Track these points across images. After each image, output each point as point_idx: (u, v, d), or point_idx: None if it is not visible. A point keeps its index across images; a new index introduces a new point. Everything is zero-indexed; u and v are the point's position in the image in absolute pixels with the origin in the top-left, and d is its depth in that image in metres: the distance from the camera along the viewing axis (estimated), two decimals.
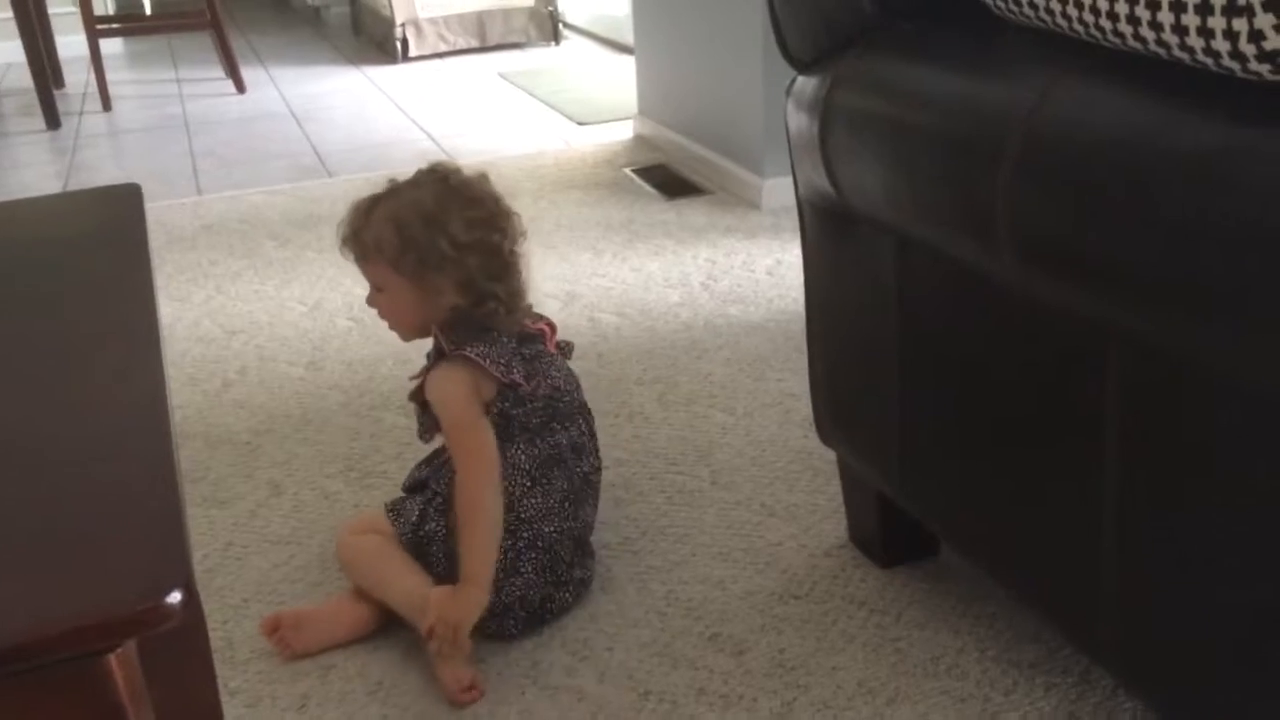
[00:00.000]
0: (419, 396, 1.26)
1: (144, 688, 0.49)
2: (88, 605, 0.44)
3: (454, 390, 1.21)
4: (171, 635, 0.52)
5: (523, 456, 1.23)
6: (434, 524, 1.24)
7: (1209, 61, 0.71)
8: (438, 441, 1.30)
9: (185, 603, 0.42)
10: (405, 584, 1.22)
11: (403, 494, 1.33)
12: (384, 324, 1.31)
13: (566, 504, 1.24)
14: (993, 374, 0.97)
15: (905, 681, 1.14)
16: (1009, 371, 0.95)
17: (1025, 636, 1.19)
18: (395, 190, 1.26)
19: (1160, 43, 0.73)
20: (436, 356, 1.26)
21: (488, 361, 1.20)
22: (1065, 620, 0.98)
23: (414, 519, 1.25)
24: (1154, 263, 0.73)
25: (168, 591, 0.43)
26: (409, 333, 1.31)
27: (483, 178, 1.27)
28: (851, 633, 1.21)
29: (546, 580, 1.23)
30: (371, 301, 1.30)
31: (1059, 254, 0.80)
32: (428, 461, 1.34)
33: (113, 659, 0.46)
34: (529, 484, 1.22)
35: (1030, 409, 0.93)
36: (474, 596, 1.16)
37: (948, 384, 1.04)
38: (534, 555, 1.22)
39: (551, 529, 1.23)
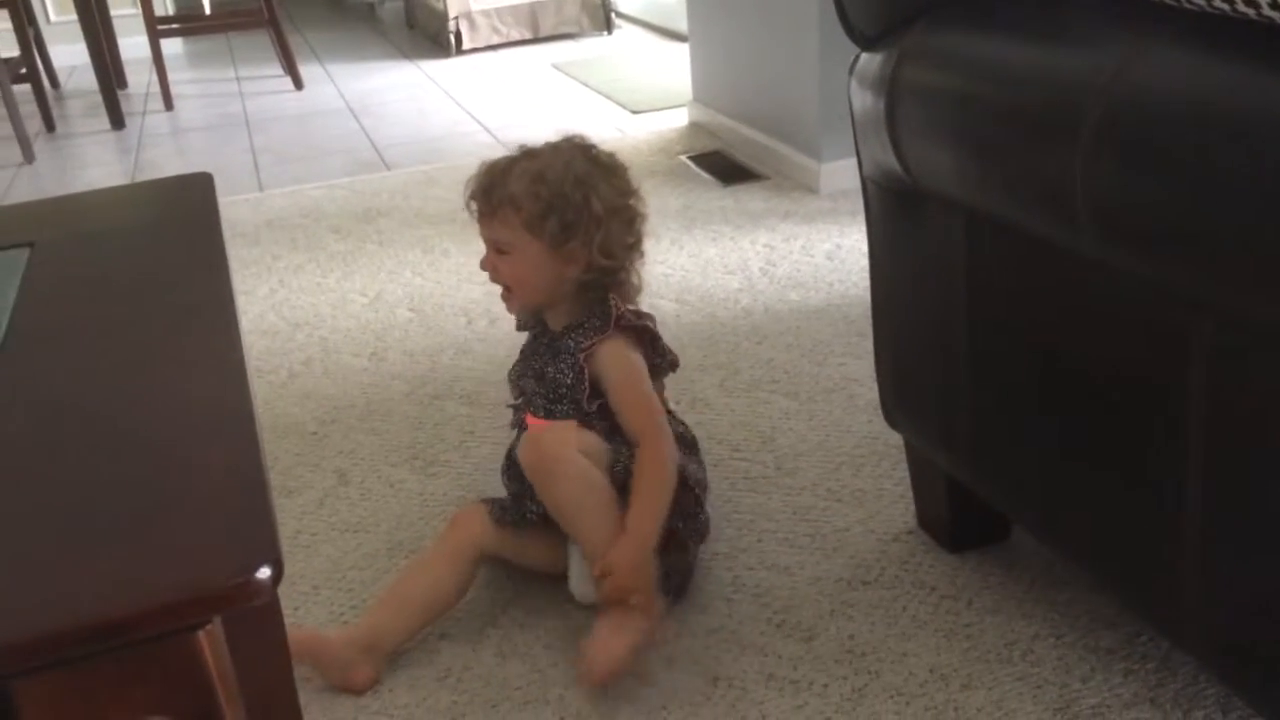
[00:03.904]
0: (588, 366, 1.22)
1: (230, 666, 0.50)
2: (178, 582, 0.44)
3: (639, 361, 1.24)
4: (250, 619, 0.52)
5: (678, 426, 1.29)
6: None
7: None
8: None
9: (275, 578, 0.42)
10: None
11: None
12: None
13: (705, 471, 1.32)
14: (1069, 352, 0.95)
15: (979, 668, 1.12)
16: (1086, 349, 0.93)
17: (1102, 622, 1.16)
18: (534, 152, 1.24)
19: (1250, 2, 0.71)
20: (615, 322, 1.22)
21: (660, 341, 1.26)
22: (1146, 604, 0.95)
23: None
24: (1245, 231, 0.71)
25: (257, 567, 0.43)
26: (530, 299, 1.26)
27: (614, 155, 1.28)
28: (922, 618, 1.20)
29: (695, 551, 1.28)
30: (489, 265, 1.25)
31: (1143, 225, 0.78)
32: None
33: (202, 636, 0.46)
34: (689, 448, 1.28)
35: (1109, 387, 0.91)
36: (636, 548, 1.13)
37: (1020, 364, 1.02)
38: (707, 520, 1.27)
39: (700, 491, 1.27)
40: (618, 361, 1.22)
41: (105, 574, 0.45)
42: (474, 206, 1.25)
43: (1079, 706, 1.06)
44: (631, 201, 1.25)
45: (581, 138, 1.27)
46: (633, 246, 1.25)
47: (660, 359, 1.28)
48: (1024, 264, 0.98)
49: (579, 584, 1.24)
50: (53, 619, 0.42)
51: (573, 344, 1.23)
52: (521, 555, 1.28)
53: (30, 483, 0.55)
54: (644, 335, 1.25)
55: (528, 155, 1.24)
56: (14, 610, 0.44)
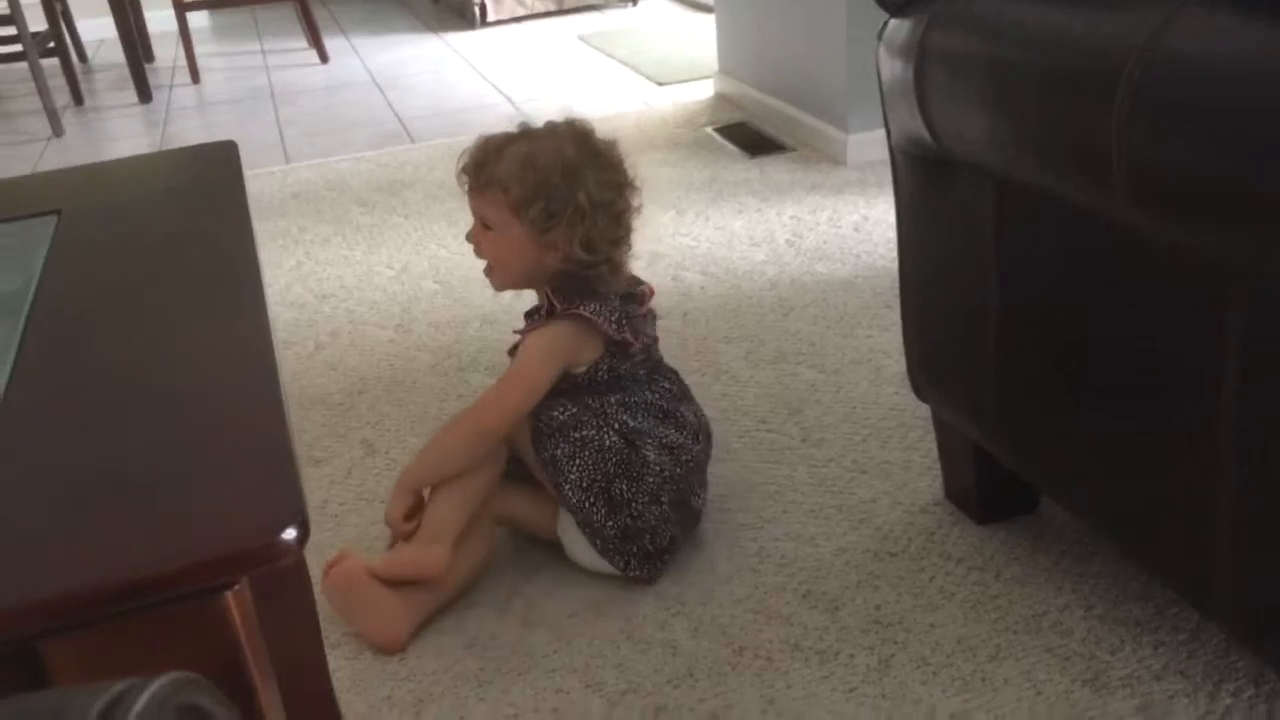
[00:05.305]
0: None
1: (258, 628, 0.50)
2: (205, 542, 0.44)
3: (548, 346, 1.22)
4: (278, 582, 0.52)
5: (653, 395, 1.27)
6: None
7: None
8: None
9: (301, 539, 0.42)
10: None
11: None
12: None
13: (699, 437, 1.29)
14: (1100, 321, 0.94)
15: (1007, 639, 1.12)
16: (1118, 318, 0.91)
17: (1132, 594, 1.15)
18: (530, 134, 1.23)
19: None
20: (547, 314, 1.24)
21: (600, 319, 1.20)
22: (1177, 576, 0.94)
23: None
24: None
25: (284, 528, 0.43)
26: (507, 279, 1.28)
27: (613, 144, 1.25)
28: (950, 589, 1.19)
29: (674, 519, 1.25)
30: (473, 238, 1.26)
31: (1179, 188, 0.77)
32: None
33: (230, 596, 0.46)
34: (661, 416, 1.26)
35: (1142, 356, 0.90)
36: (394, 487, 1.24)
37: (1050, 333, 1.01)
38: (672, 488, 1.24)
39: (688, 457, 1.26)
40: (531, 340, 1.23)
41: (133, 535, 0.45)
42: (464, 179, 1.25)
43: (1108, 678, 1.06)
44: (622, 195, 1.22)
45: (582, 122, 1.25)
46: (618, 241, 1.23)
47: (621, 338, 1.23)
48: (1055, 233, 0.96)
49: (571, 548, 1.26)
50: (81, 579, 0.43)
51: (526, 331, 1.27)
52: (531, 522, 1.31)
53: (58, 446, 0.55)
54: (581, 323, 1.21)
55: (524, 136, 1.23)
56: (42, 570, 0.44)
